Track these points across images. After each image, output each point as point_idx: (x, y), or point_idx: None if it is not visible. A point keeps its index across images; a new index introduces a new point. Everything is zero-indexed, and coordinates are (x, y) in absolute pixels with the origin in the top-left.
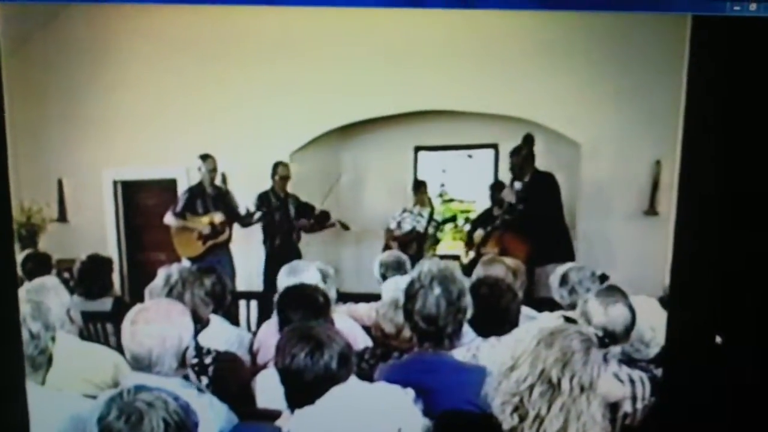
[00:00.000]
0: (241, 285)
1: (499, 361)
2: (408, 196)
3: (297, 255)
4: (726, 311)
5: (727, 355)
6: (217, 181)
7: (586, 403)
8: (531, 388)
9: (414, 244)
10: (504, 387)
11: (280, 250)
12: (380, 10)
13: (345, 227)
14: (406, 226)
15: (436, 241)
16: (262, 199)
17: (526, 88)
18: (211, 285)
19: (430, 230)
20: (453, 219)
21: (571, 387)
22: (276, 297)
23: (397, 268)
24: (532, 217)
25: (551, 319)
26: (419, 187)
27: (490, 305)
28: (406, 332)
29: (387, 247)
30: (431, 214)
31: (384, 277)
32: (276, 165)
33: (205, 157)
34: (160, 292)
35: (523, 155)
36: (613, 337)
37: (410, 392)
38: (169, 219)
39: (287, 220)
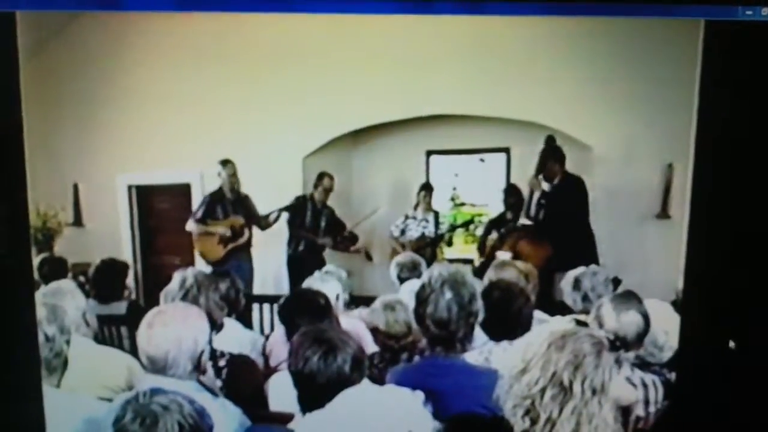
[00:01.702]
0: (256, 289)
1: (511, 364)
2: (420, 199)
3: (320, 261)
4: (739, 316)
5: (741, 360)
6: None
7: (598, 406)
8: (542, 391)
9: (428, 249)
10: (515, 390)
11: (303, 255)
12: (391, 15)
13: (369, 257)
14: (414, 233)
15: (449, 245)
16: (299, 201)
17: (538, 91)
18: (225, 289)
19: (446, 235)
20: (471, 222)
21: (582, 390)
22: (278, 308)
23: (413, 268)
24: (559, 220)
25: (562, 323)
26: (428, 190)
27: (502, 309)
28: (400, 329)
29: (395, 254)
30: (437, 217)
31: (400, 279)
32: (321, 175)
33: (225, 163)
34: (175, 296)
35: (552, 156)
36: (625, 342)
37: (420, 395)
38: (190, 226)
39: (316, 229)
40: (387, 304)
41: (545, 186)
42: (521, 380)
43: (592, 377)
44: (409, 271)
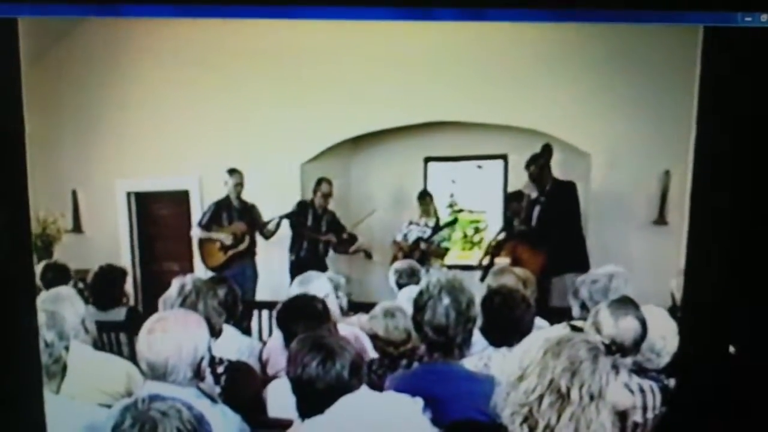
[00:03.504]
0: (259, 295)
1: (508, 371)
2: (416, 206)
3: (322, 266)
4: (739, 321)
5: (741, 366)
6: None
7: (596, 411)
8: (540, 398)
9: (418, 252)
10: (513, 397)
11: (306, 260)
12: (390, 22)
13: (368, 256)
14: (413, 238)
15: (446, 250)
16: (301, 206)
17: (536, 98)
18: (224, 295)
19: (436, 238)
20: (454, 222)
21: (580, 396)
22: (275, 313)
23: (412, 275)
24: (552, 226)
25: (557, 328)
26: (424, 197)
27: (503, 315)
28: (400, 336)
29: (395, 259)
30: (437, 224)
31: (399, 285)
32: (319, 181)
33: (232, 172)
34: (173, 302)
35: (540, 164)
36: (622, 348)
37: (419, 401)
38: (194, 231)
39: (317, 234)
40: (387, 310)
41: (535, 194)
42: (519, 388)
43: (589, 383)
44: (408, 277)
